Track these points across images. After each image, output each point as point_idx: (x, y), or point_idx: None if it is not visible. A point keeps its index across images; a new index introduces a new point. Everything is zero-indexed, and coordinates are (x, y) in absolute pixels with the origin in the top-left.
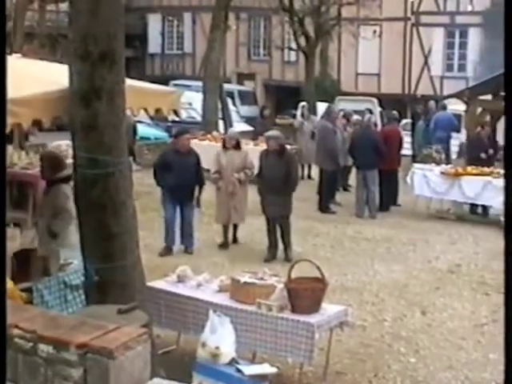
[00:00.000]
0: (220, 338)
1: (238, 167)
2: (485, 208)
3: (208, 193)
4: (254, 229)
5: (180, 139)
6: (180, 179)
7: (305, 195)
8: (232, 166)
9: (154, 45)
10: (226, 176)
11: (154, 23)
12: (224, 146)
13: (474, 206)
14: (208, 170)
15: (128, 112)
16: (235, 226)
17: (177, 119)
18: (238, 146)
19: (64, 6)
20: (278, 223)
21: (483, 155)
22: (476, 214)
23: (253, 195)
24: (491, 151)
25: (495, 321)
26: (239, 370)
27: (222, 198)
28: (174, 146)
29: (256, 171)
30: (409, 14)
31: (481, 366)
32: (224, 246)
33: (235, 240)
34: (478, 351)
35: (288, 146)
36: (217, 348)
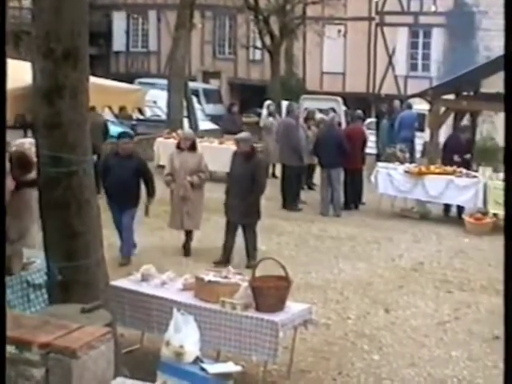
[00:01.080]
0: (184, 336)
1: (192, 170)
2: (447, 206)
3: None
4: (219, 227)
5: (120, 143)
6: (118, 183)
7: (269, 194)
8: (185, 168)
9: (118, 43)
10: (179, 179)
11: (119, 21)
12: (178, 147)
13: (447, 207)
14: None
15: (99, 111)
16: (188, 232)
17: (142, 117)
18: (192, 148)
19: (27, 3)
20: (242, 230)
21: (456, 158)
22: (447, 215)
23: (221, 193)
24: (468, 155)
25: (457, 318)
26: (203, 369)
27: (175, 201)
28: (116, 149)
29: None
30: (373, 14)
31: (443, 362)
32: (186, 250)
33: (187, 247)
34: (440, 348)
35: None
36: (181, 347)
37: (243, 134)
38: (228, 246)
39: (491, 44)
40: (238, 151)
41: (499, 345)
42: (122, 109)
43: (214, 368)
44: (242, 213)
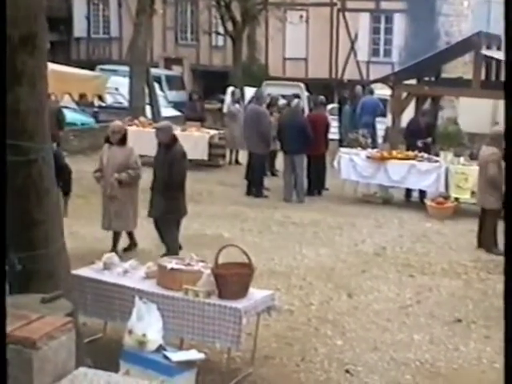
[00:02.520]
0: (147, 325)
1: (120, 166)
2: (409, 191)
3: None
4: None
5: None
6: None
7: (233, 180)
8: (113, 164)
9: (79, 28)
10: (106, 176)
11: (79, 6)
12: (107, 141)
13: (409, 192)
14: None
15: (53, 98)
16: (130, 233)
17: (103, 104)
18: (122, 142)
19: None
20: (155, 223)
21: (420, 143)
22: (409, 200)
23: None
24: (429, 140)
25: (419, 302)
26: (166, 357)
27: (104, 200)
28: None
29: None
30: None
31: (405, 346)
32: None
33: (130, 246)
34: (402, 332)
35: (213, 132)
36: (143, 335)
37: (162, 123)
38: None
39: (451, 29)
40: (160, 142)
41: (460, 327)
42: (82, 96)
43: (177, 356)
44: (161, 207)
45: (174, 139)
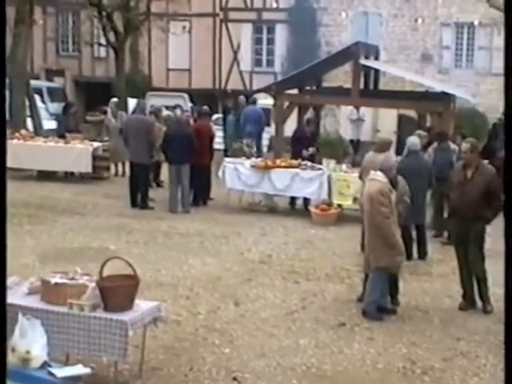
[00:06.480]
0: (30, 341)
1: None
2: (293, 199)
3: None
4: (67, 228)
5: None
6: None
7: (118, 192)
8: None
9: None
10: None
11: None
12: None
13: (293, 199)
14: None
15: None
16: None
17: None
18: None
19: None
20: None
21: (305, 152)
22: (293, 207)
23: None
24: (314, 149)
25: (304, 307)
26: (51, 373)
27: None
28: None
29: None
30: (217, 10)
31: (292, 351)
32: None
33: None
34: (289, 338)
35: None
36: (27, 352)
37: None
38: None
39: (332, 39)
40: None
41: (344, 331)
42: None
43: (62, 372)
44: None
45: None
